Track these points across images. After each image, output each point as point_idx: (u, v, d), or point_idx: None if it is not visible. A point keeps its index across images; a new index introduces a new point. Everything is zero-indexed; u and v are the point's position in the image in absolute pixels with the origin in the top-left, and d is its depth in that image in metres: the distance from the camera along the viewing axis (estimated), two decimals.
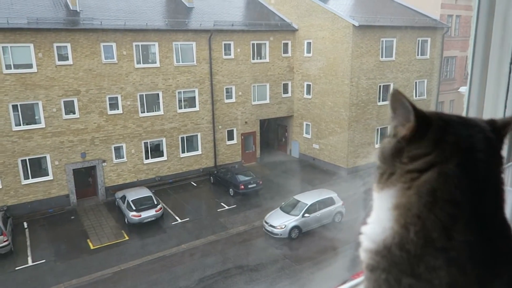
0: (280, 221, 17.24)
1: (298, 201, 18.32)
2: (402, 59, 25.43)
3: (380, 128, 25.34)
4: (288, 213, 17.74)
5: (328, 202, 18.36)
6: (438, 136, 0.61)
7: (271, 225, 17.28)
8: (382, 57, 24.58)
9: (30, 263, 15.84)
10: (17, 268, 15.49)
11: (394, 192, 0.63)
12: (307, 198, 18.44)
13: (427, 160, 0.61)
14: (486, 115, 1.58)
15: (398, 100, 0.64)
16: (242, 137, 26.43)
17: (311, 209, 17.76)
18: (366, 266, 0.64)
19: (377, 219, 0.64)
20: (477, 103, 1.60)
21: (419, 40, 25.83)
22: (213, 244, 17.27)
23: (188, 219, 19.41)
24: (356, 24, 22.64)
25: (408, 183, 0.61)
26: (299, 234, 17.32)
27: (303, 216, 17.44)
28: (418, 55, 26.04)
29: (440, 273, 0.57)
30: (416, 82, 26.44)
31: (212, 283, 14.52)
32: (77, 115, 20.74)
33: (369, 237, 0.64)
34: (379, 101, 25.06)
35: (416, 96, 26.52)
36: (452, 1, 27.97)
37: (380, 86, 24.96)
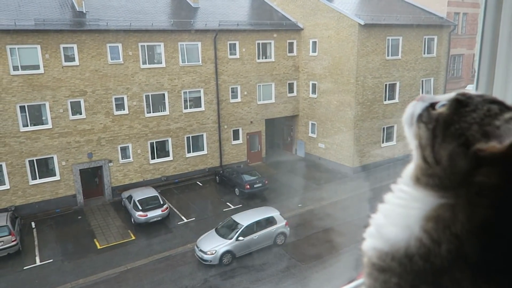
0: (211, 246, 15.48)
1: (235, 222, 16.68)
2: (408, 58, 25.27)
3: (386, 127, 25.21)
4: (223, 236, 16.11)
5: (269, 222, 16.81)
6: None
7: (201, 250, 15.53)
8: (388, 55, 24.45)
9: (38, 262, 15.98)
10: (25, 268, 15.63)
11: (434, 198, 0.57)
12: (245, 219, 16.79)
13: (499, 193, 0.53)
14: None
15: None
16: (248, 136, 26.43)
17: (247, 231, 16.09)
18: (373, 265, 0.61)
19: (402, 223, 0.59)
20: None
21: (425, 38, 25.66)
22: None
23: (193, 218, 19.46)
24: (362, 22, 22.54)
25: (469, 201, 0.54)
26: (232, 259, 15.62)
27: (237, 239, 15.79)
28: (424, 53, 25.86)
29: (463, 284, 0.54)
30: (422, 81, 26.26)
31: (217, 283, 14.53)
32: (83, 115, 20.86)
33: (385, 239, 0.60)
34: (385, 100, 24.94)
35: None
36: None
37: (386, 84, 24.83)
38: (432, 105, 0.64)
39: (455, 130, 0.57)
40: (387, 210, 0.63)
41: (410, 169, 0.64)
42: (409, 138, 0.66)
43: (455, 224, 0.54)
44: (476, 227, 0.54)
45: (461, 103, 0.59)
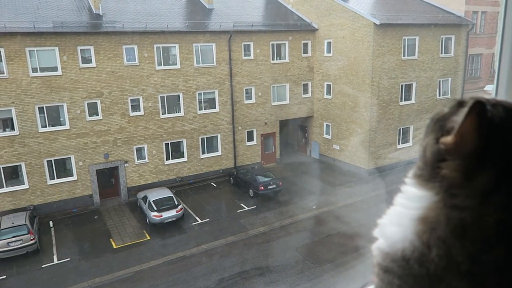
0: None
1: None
2: (425, 58, 24.87)
3: (402, 129, 24.87)
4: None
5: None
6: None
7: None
8: (404, 55, 24.11)
9: (55, 261, 16.26)
10: (43, 266, 15.94)
11: (425, 198, 0.56)
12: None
13: (474, 194, 0.52)
14: None
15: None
16: (262, 138, 26.40)
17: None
18: (379, 265, 0.61)
19: (399, 222, 0.58)
20: None
21: (442, 38, 25.22)
22: (232, 245, 17.30)
23: (208, 219, 19.52)
24: (377, 22, 22.28)
25: (444, 200, 0.54)
26: None
27: None
28: (441, 53, 25.42)
29: None
30: (439, 81, 25.82)
31: (231, 284, 14.53)
32: (100, 116, 21.17)
33: (386, 239, 0.59)
34: (401, 101, 24.60)
35: (439, 96, 25.90)
36: None
37: (402, 85, 24.49)
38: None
39: (439, 126, 0.58)
40: (391, 210, 0.62)
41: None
42: None
43: (438, 225, 0.53)
44: (454, 231, 0.52)
45: (461, 104, 0.58)
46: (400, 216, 0.59)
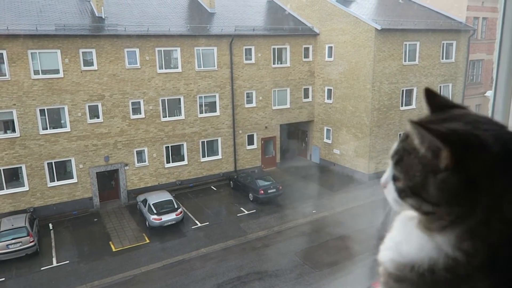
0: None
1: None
2: (426, 63, 24.92)
3: (403, 134, 24.83)
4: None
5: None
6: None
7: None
8: (405, 61, 24.16)
9: (54, 263, 16.24)
10: (42, 268, 15.90)
11: (464, 229, 0.58)
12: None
13: (507, 179, 0.57)
14: None
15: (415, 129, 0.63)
16: (262, 142, 26.41)
17: None
18: (390, 275, 0.64)
19: (420, 247, 0.62)
20: (503, 109, 1.53)
21: (443, 43, 25.28)
22: (232, 249, 17.26)
23: (207, 223, 19.49)
24: (379, 27, 22.35)
25: (493, 211, 0.57)
26: None
27: None
28: (442, 58, 25.47)
29: None
30: (440, 87, 25.84)
31: None
32: (101, 119, 21.20)
33: (404, 254, 0.63)
34: (402, 106, 24.62)
35: None
36: (478, 3, 27.27)
37: (403, 90, 24.52)
38: (394, 179, 0.72)
39: (419, 174, 0.65)
40: (406, 233, 0.66)
41: (417, 221, 0.66)
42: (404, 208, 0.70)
43: (491, 236, 0.56)
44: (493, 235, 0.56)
45: (399, 162, 0.72)
46: (419, 242, 0.63)
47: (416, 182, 0.63)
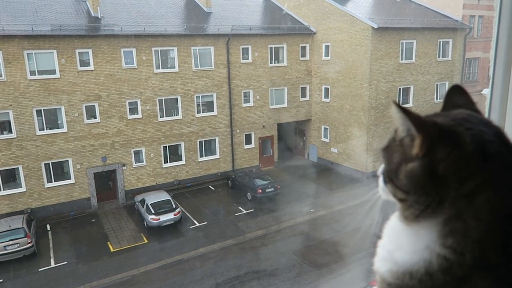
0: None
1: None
2: (423, 61, 24.98)
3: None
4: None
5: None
6: (474, 150, 0.58)
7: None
8: (402, 59, 24.21)
9: (52, 264, 16.19)
10: (40, 269, 15.86)
11: (440, 222, 0.59)
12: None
13: (478, 180, 0.57)
14: (509, 119, 1.51)
15: (397, 112, 0.63)
16: (260, 141, 26.41)
17: None
18: (389, 285, 0.64)
19: (412, 250, 0.61)
20: (499, 107, 1.53)
21: (440, 42, 25.34)
22: (230, 248, 17.27)
23: (206, 223, 19.49)
24: (375, 26, 22.38)
25: (463, 208, 0.57)
26: None
27: None
28: (439, 56, 25.53)
29: None
30: (437, 85, 25.92)
31: None
32: (98, 119, 21.14)
33: (400, 262, 0.62)
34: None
35: (437, 99, 26.00)
36: (474, 1, 27.36)
37: (400, 89, 24.57)
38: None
39: (395, 160, 0.67)
40: (396, 237, 0.66)
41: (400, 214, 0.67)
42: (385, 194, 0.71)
43: (471, 230, 0.56)
44: (488, 223, 0.56)
45: (384, 149, 0.72)
46: (413, 241, 0.62)
47: (391, 167, 0.65)
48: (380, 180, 0.71)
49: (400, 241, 0.64)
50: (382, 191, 0.71)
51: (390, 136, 0.69)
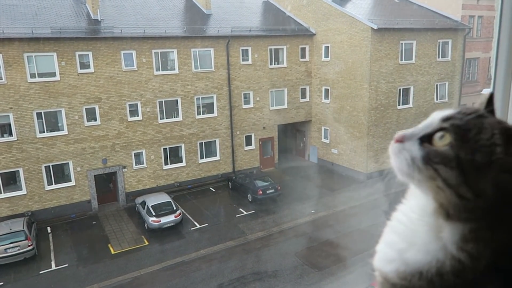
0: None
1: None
2: (422, 62, 24.99)
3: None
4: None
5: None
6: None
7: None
8: (401, 60, 24.22)
9: (53, 267, 16.17)
10: (41, 272, 15.84)
11: (469, 227, 0.58)
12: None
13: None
14: (511, 120, 1.51)
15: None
16: (260, 142, 26.41)
17: None
18: (394, 285, 0.63)
19: (427, 249, 0.60)
20: (501, 107, 1.53)
21: (439, 42, 25.35)
22: (231, 250, 17.25)
23: (206, 224, 19.47)
24: (375, 27, 22.40)
25: (499, 221, 0.57)
26: None
27: None
28: (439, 57, 25.54)
29: None
30: (437, 85, 25.92)
31: None
32: (98, 122, 21.14)
33: (410, 262, 0.61)
34: (399, 105, 24.67)
35: (437, 99, 26.00)
36: (473, 2, 27.38)
37: (399, 89, 24.57)
38: (423, 140, 0.62)
39: (482, 158, 0.56)
40: (410, 236, 0.63)
41: (426, 204, 0.62)
42: (415, 182, 0.63)
43: (494, 241, 0.56)
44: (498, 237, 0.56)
45: (462, 128, 0.59)
46: (429, 241, 0.61)
47: (470, 157, 0.57)
48: (408, 149, 0.62)
49: (415, 239, 0.62)
50: (406, 166, 0.62)
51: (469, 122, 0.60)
